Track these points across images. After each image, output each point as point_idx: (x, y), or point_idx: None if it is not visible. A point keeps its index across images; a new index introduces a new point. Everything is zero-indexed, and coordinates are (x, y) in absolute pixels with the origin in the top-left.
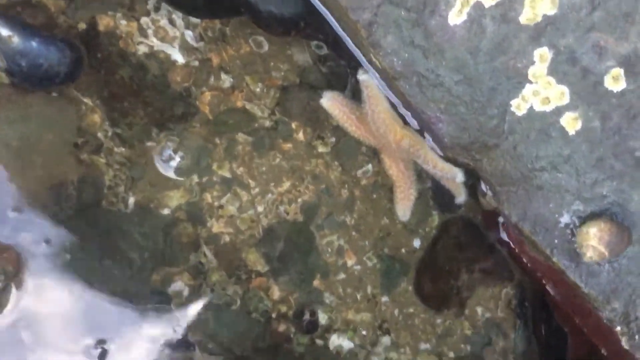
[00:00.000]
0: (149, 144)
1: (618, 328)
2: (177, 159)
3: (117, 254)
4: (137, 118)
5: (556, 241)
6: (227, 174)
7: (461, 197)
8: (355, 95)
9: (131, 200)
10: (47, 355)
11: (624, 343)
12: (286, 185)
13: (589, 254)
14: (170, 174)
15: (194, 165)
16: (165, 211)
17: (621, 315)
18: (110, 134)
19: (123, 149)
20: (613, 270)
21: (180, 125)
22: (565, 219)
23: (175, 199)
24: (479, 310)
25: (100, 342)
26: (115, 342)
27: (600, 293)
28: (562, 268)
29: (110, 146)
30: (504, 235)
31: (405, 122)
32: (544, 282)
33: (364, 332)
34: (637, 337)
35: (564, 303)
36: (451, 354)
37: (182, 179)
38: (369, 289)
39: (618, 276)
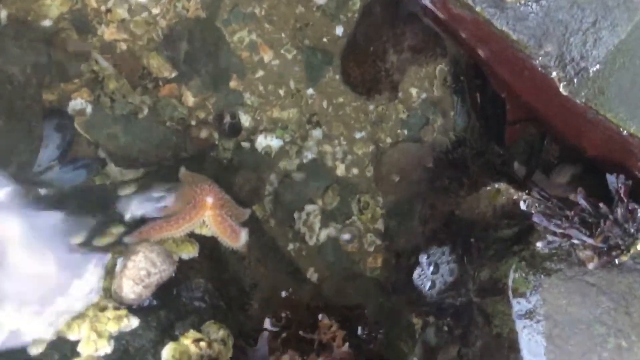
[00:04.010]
0: None
1: (554, 74)
2: None
3: None
4: None
5: None
6: None
7: None
8: None
9: (3, 14)
10: None
11: (562, 89)
12: None
13: None
14: None
15: None
16: (46, 22)
17: (556, 59)
18: None
19: None
20: (541, 10)
21: None
22: None
23: (54, 8)
24: (414, 91)
25: None
26: None
27: (530, 37)
28: (488, 17)
29: None
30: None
31: None
32: (473, 45)
33: (292, 128)
34: (575, 80)
35: (497, 64)
36: (388, 140)
37: None
38: (292, 84)
39: (547, 15)
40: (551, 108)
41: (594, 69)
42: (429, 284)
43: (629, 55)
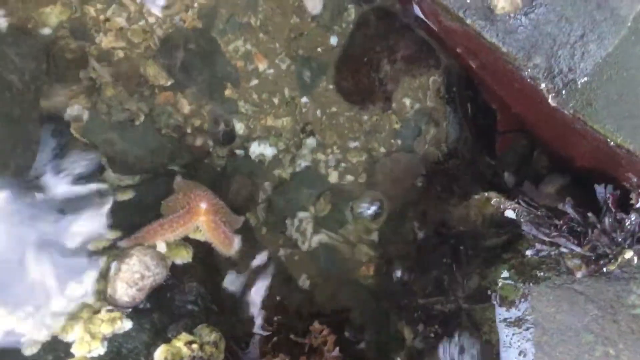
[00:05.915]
0: None
1: (543, 85)
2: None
3: None
4: None
5: (468, 1)
6: None
7: None
8: None
9: (3, 21)
10: None
11: (551, 100)
12: None
13: (501, 5)
14: None
15: None
16: (46, 31)
17: (544, 71)
18: None
19: None
20: (530, 23)
21: None
22: None
23: (54, 16)
24: (407, 102)
25: None
26: None
27: (519, 50)
28: (478, 30)
29: None
30: (419, 11)
31: None
32: (465, 57)
33: (286, 137)
34: (563, 92)
35: (488, 76)
36: (382, 150)
37: None
38: (286, 92)
39: (536, 28)
40: (540, 119)
41: (582, 81)
42: None
43: (616, 68)
